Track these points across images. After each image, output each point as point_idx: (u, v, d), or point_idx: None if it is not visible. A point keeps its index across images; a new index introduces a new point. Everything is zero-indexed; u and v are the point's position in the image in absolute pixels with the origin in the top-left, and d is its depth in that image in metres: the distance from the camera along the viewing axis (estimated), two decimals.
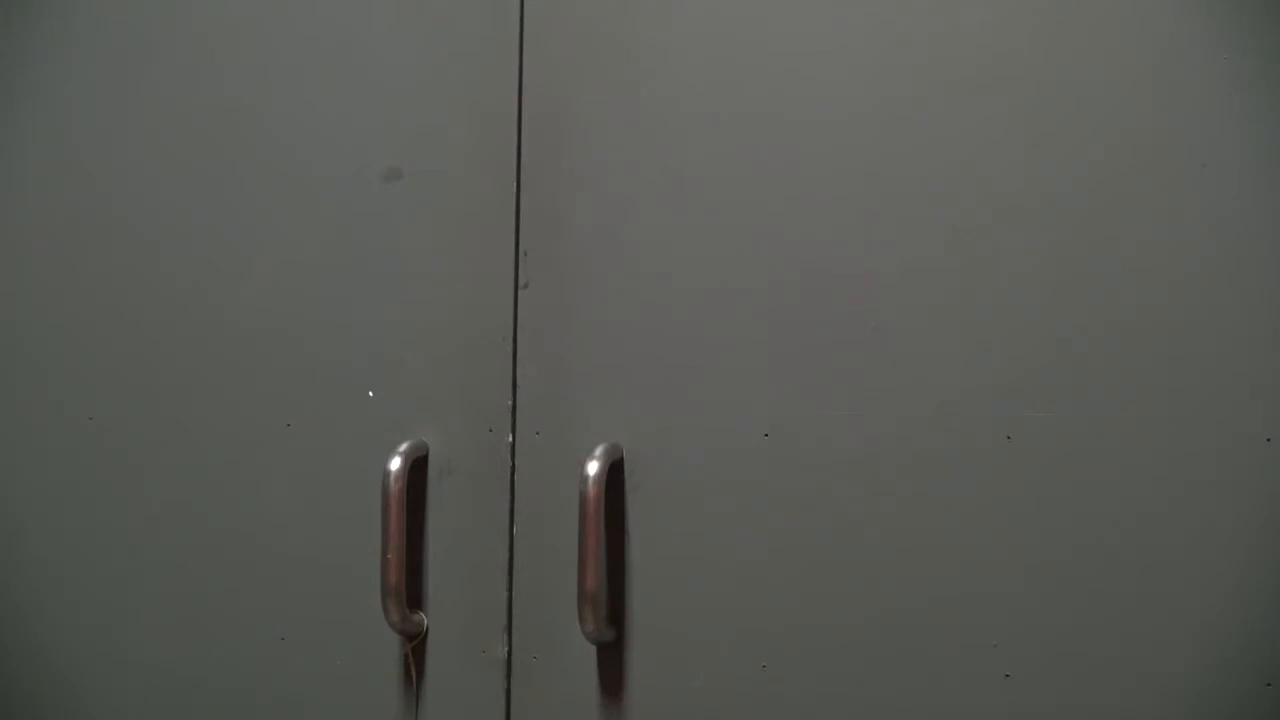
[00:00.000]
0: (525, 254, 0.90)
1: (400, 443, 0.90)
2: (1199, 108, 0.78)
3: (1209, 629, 0.78)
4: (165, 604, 0.97)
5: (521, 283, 0.90)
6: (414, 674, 0.91)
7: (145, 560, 0.98)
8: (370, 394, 0.92)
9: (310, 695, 0.93)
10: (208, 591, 0.96)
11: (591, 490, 0.83)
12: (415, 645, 0.91)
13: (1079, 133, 0.80)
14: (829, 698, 0.83)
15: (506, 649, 0.90)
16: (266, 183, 0.95)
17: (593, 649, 0.88)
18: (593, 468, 0.84)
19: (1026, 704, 0.80)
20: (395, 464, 0.88)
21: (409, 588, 0.89)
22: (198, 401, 0.96)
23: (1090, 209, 0.80)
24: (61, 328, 1.00)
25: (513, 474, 0.90)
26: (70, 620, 1.00)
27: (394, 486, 0.87)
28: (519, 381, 0.90)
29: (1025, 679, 0.80)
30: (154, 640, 0.97)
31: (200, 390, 0.96)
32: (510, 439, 0.90)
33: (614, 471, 0.87)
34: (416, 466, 0.90)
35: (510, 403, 0.90)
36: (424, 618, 0.91)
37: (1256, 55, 0.77)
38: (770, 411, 0.85)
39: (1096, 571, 0.79)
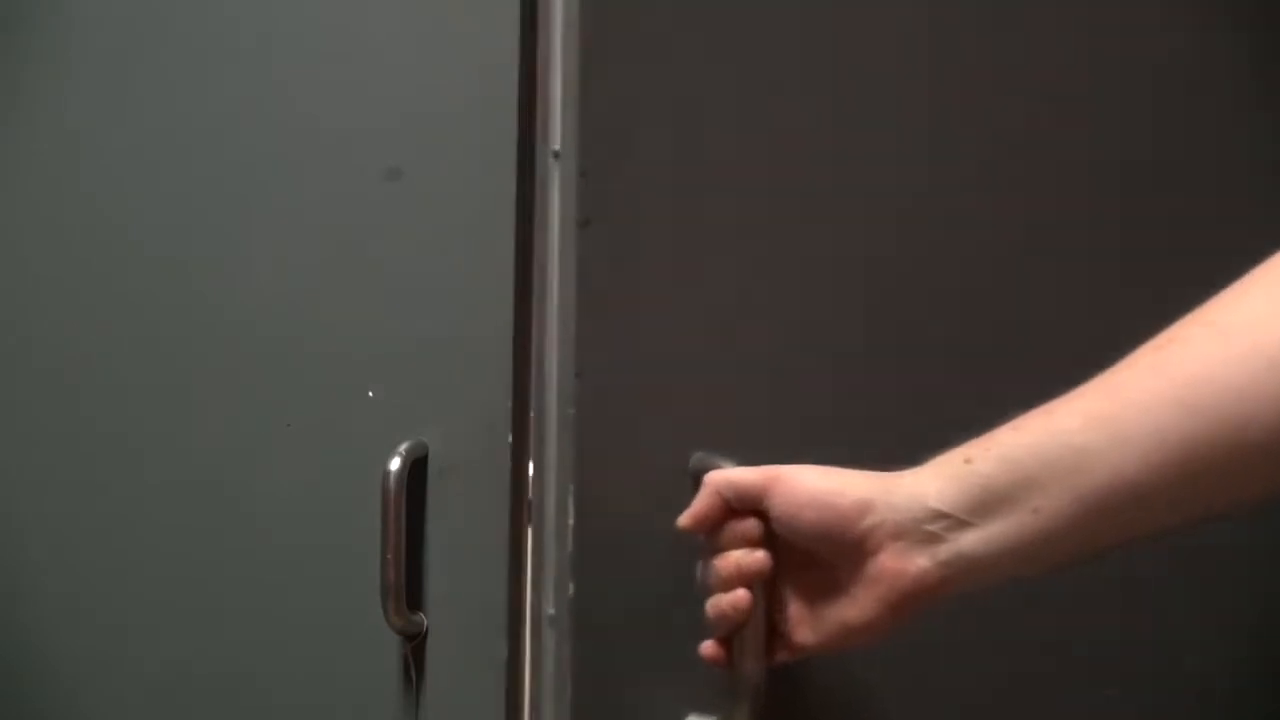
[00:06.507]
0: None
1: (400, 443, 0.90)
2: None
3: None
4: (163, 604, 0.97)
5: None
6: (414, 674, 0.91)
7: (143, 560, 0.97)
8: (370, 394, 0.92)
9: (310, 695, 0.93)
10: (206, 591, 0.96)
11: None
12: (415, 645, 0.91)
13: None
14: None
15: (506, 649, 0.90)
16: (266, 182, 0.95)
17: None
18: None
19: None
20: (395, 464, 0.88)
21: (409, 588, 0.89)
22: (196, 401, 0.96)
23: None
24: (59, 327, 1.00)
25: (513, 474, 0.90)
26: (68, 621, 0.99)
27: (394, 486, 0.87)
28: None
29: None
30: (151, 640, 0.97)
31: (199, 390, 0.96)
32: (510, 439, 0.90)
33: None
34: (416, 466, 0.90)
35: (510, 403, 0.90)
36: (424, 618, 0.91)
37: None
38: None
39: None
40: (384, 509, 0.88)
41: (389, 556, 0.87)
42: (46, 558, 1.00)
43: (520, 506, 0.92)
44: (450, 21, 0.91)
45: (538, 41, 0.87)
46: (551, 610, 0.85)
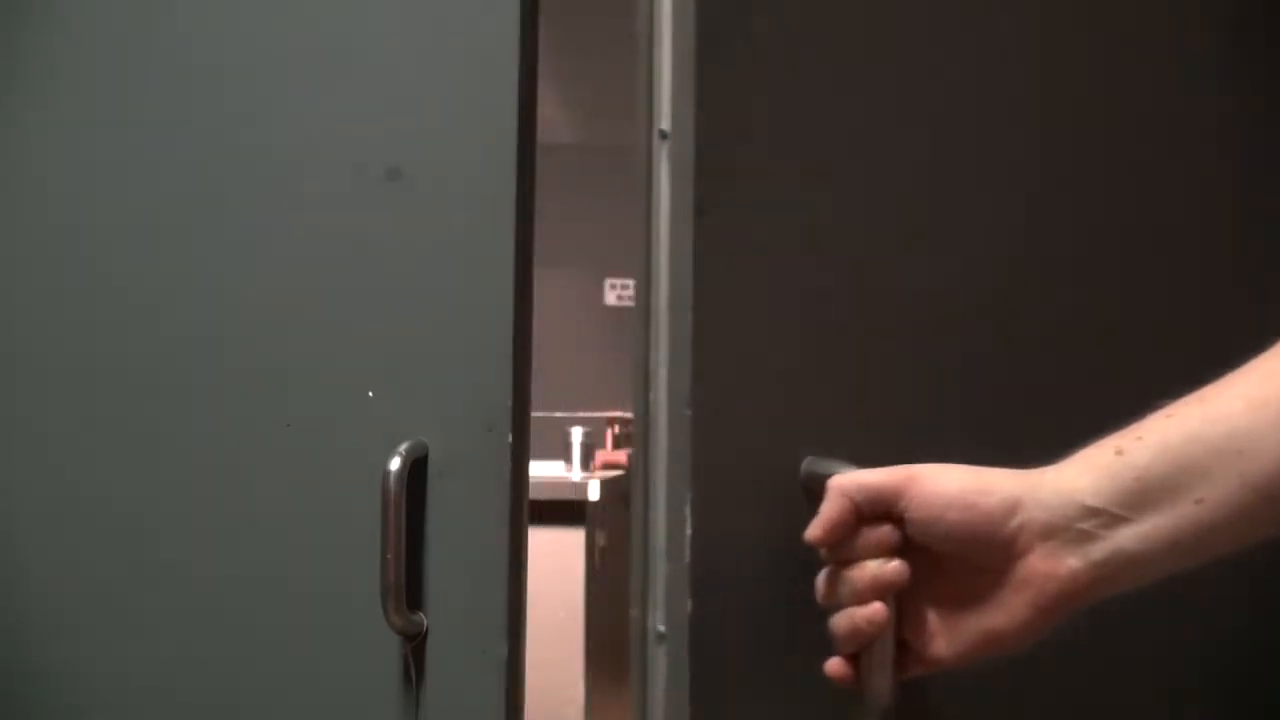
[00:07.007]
0: None
1: (400, 443, 0.90)
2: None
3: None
4: (162, 603, 0.97)
5: None
6: (414, 674, 0.91)
7: (142, 560, 0.97)
8: (370, 394, 0.92)
9: (310, 695, 0.93)
10: (206, 591, 0.96)
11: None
12: (415, 645, 0.91)
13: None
14: (967, 711, 0.82)
15: (506, 649, 0.90)
16: (266, 182, 0.95)
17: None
18: None
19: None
20: (395, 464, 0.88)
21: (409, 588, 0.89)
22: (196, 401, 0.96)
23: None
24: (58, 327, 1.00)
25: (513, 474, 0.90)
26: (67, 622, 0.99)
27: (394, 486, 0.87)
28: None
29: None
30: (151, 640, 0.97)
31: (199, 390, 0.96)
32: (510, 439, 0.90)
33: None
34: (416, 466, 0.90)
35: (510, 403, 0.90)
36: (424, 618, 0.91)
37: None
38: None
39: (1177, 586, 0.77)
40: (384, 509, 0.88)
41: (389, 556, 0.87)
42: (45, 557, 1.00)
43: (520, 506, 0.92)
44: (450, 21, 0.91)
45: (653, 22, 0.80)
46: (661, 627, 0.79)
